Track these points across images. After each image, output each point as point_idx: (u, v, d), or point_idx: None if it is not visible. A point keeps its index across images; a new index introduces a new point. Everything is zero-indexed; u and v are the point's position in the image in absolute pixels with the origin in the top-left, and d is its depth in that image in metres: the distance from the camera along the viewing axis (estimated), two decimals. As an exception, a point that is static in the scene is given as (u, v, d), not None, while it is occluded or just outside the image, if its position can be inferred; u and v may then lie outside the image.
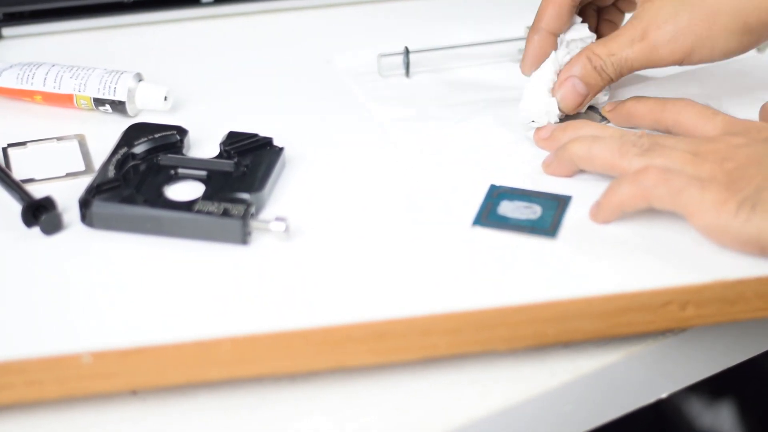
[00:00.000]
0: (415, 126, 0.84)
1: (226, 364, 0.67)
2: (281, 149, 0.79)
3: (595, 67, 0.80)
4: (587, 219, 0.74)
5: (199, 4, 0.97)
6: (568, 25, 0.82)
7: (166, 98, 0.85)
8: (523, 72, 0.83)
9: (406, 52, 0.89)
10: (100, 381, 0.66)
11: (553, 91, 0.81)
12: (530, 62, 0.83)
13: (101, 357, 0.66)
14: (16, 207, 0.75)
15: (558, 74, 0.81)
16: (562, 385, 0.69)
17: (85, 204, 0.74)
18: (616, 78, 0.81)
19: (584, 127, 0.78)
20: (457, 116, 0.85)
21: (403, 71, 0.90)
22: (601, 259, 0.72)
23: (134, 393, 0.68)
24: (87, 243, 0.74)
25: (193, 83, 0.89)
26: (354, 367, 0.69)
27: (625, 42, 0.80)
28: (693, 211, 0.71)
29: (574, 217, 0.75)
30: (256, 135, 0.79)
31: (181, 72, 0.90)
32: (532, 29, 0.83)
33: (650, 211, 0.74)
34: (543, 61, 0.82)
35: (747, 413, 1.24)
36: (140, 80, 0.85)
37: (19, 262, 0.73)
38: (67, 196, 0.76)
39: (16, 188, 0.77)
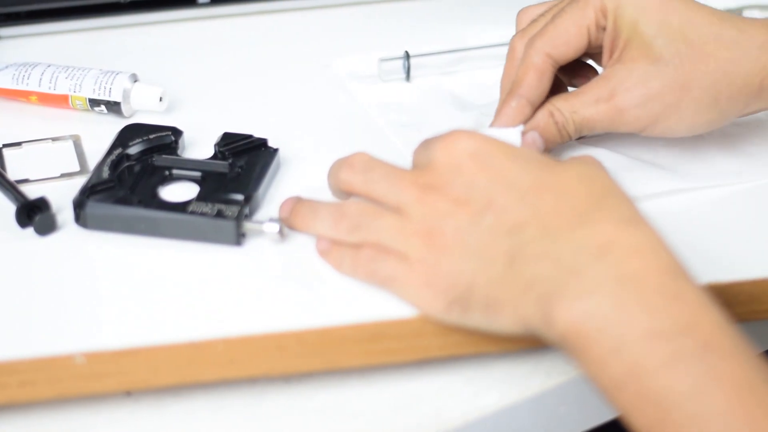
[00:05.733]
0: (414, 130, 0.84)
1: (220, 365, 0.67)
2: (276, 150, 0.79)
3: (556, 122, 0.76)
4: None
5: (195, 4, 0.97)
6: (548, 91, 0.77)
7: (161, 99, 0.85)
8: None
9: (407, 56, 0.89)
10: (93, 382, 0.66)
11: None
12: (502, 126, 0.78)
13: (94, 358, 0.66)
14: (10, 207, 0.75)
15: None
16: (557, 386, 0.69)
17: (79, 205, 0.74)
18: (574, 136, 0.77)
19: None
20: (457, 120, 0.85)
21: (404, 75, 0.89)
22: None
23: (128, 394, 0.68)
24: (81, 244, 0.74)
25: (188, 84, 0.89)
26: (347, 368, 0.69)
27: (590, 101, 0.76)
28: (405, 299, 0.68)
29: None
30: (250, 136, 0.79)
31: (177, 73, 0.90)
32: (511, 93, 0.77)
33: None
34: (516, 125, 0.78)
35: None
36: (135, 81, 0.85)
37: (13, 263, 0.73)
38: (62, 197, 0.76)
39: (11, 188, 0.77)
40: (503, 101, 0.78)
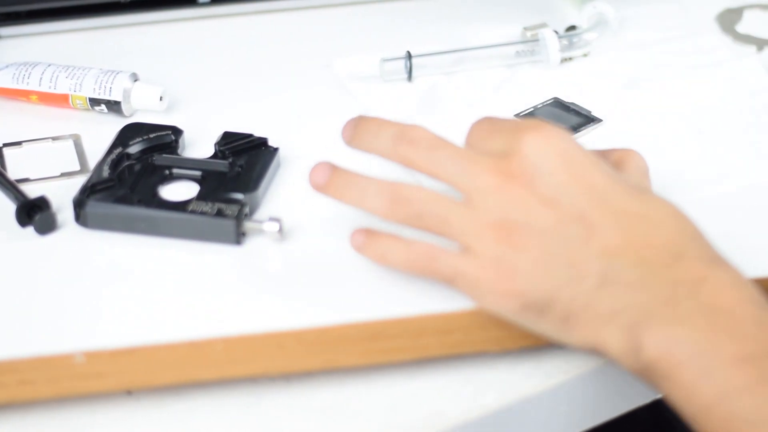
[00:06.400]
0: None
1: (219, 365, 0.67)
2: (276, 150, 0.79)
3: None
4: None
5: (196, 4, 0.96)
6: None
7: (161, 98, 0.85)
8: None
9: (408, 56, 0.89)
10: (93, 381, 0.66)
11: None
12: None
13: (94, 357, 0.66)
14: (10, 206, 0.75)
15: None
16: (557, 386, 0.69)
17: (79, 204, 0.74)
18: None
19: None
20: (458, 121, 0.85)
21: (405, 75, 0.89)
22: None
23: (129, 393, 0.68)
24: (81, 243, 0.74)
25: (188, 83, 0.88)
26: (347, 367, 0.69)
27: None
28: (473, 297, 0.65)
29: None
30: (251, 135, 0.79)
31: (177, 72, 0.90)
32: None
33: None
34: None
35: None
36: (136, 80, 0.85)
37: (13, 262, 0.73)
38: (62, 196, 0.76)
39: (11, 188, 0.77)
40: None
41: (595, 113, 0.85)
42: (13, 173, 0.79)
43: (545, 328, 0.64)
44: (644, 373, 0.63)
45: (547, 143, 0.64)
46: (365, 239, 0.68)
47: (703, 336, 0.61)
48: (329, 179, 0.68)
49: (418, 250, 0.66)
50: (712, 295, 0.62)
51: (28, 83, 0.85)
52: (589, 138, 0.83)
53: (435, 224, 0.65)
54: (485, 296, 0.65)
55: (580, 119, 0.84)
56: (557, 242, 0.63)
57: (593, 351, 0.65)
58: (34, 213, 0.74)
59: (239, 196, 0.74)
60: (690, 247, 0.64)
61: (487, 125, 0.67)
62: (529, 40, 0.90)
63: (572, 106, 0.85)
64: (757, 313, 0.62)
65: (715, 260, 0.64)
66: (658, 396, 0.75)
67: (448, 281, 0.66)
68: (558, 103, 0.86)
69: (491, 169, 0.64)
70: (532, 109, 0.85)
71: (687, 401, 0.61)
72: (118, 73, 0.85)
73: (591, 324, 0.63)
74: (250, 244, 0.73)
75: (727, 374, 0.60)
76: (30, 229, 0.74)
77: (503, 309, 0.65)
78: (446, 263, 0.65)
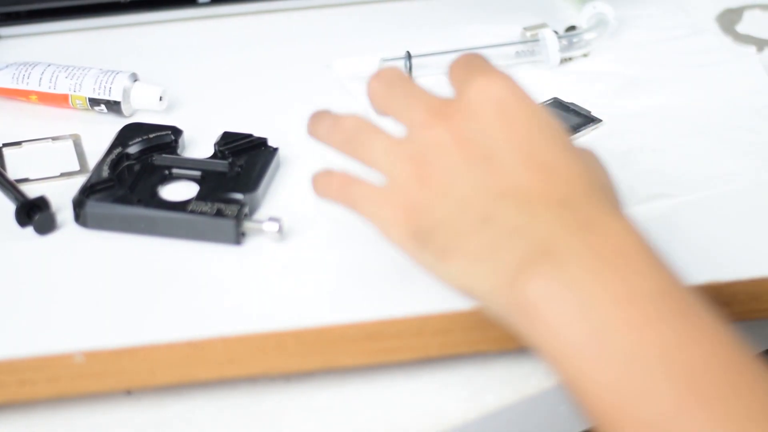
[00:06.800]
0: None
1: (219, 365, 0.67)
2: (276, 150, 0.79)
3: None
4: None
5: (196, 4, 0.97)
6: None
7: (161, 98, 0.85)
8: None
9: (408, 56, 0.89)
10: (93, 381, 0.66)
11: None
12: None
13: (93, 357, 0.66)
14: (9, 206, 0.75)
15: None
16: (557, 386, 0.69)
17: (78, 204, 0.74)
18: None
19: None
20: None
21: (406, 76, 0.89)
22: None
23: (129, 393, 0.68)
24: (80, 243, 0.74)
25: (188, 83, 0.89)
26: (346, 367, 0.69)
27: None
28: (369, 218, 0.67)
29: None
30: (250, 135, 0.79)
31: (177, 72, 0.90)
32: None
33: (645, 214, 0.74)
34: None
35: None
36: (136, 80, 0.85)
37: (12, 262, 0.73)
38: (62, 196, 0.76)
39: (10, 188, 0.77)
40: None
41: (595, 113, 0.85)
42: (12, 173, 0.79)
43: (427, 260, 0.65)
44: (511, 313, 0.62)
45: (488, 89, 0.66)
46: (315, 176, 0.70)
47: (584, 275, 0.60)
48: (313, 115, 0.71)
49: (336, 176, 0.68)
50: (601, 239, 0.61)
51: (27, 83, 0.85)
52: (589, 138, 0.83)
53: (361, 152, 0.68)
54: (378, 218, 0.66)
55: (580, 119, 0.84)
56: (459, 180, 0.64)
57: (463, 291, 0.64)
58: (33, 213, 0.74)
59: (239, 196, 0.74)
60: (589, 198, 0.63)
61: (458, 65, 0.69)
62: (529, 41, 0.90)
63: (572, 106, 0.85)
64: (653, 261, 0.61)
65: (612, 212, 0.63)
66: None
67: (355, 206, 0.67)
68: (558, 103, 0.86)
69: (428, 108, 0.67)
70: (532, 109, 0.85)
71: (555, 338, 0.60)
72: (117, 73, 0.85)
73: (466, 259, 0.63)
74: (250, 244, 0.73)
75: (607, 311, 0.59)
76: (29, 229, 0.74)
77: (393, 233, 0.66)
78: (357, 189, 0.67)
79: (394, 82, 0.69)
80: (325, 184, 0.69)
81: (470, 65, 0.68)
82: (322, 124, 0.70)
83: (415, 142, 0.66)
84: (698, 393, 0.57)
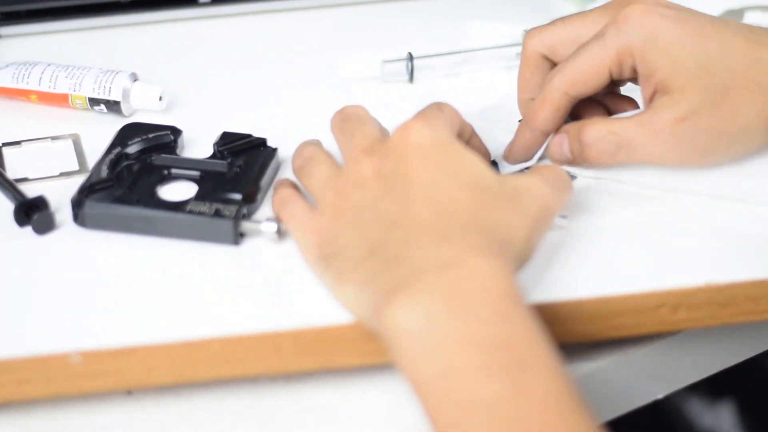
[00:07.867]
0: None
1: (215, 364, 0.67)
2: (275, 150, 0.79)
3: (580, 140, 0.76)
4: (576, 221, 0.74)
5: (196, 4, 0.97)
6: (563, 121, 0.78)
7: (160, 98, 0.85)
8: (507, 161, 0.80)
9: (410, 57, 0.89)
10: (90, 380, 0.66)
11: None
12: (517, 157, 0.79)
13: (90, 356, 0.66)
14: (8, 206, 0.75)
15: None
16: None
17: (77, 204, 0.74)
18: (617, 155, 0.75)
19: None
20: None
21: (407, 77, 0.89)
22: (592, 262, 0.72)
23: (129, 393, 0.68)
24: (79, 243, 0.74)
25: (188, 83, 0.89)
26: (343, 367, 0.69)
27: (633, 124, 0.75)
28: (293, 238, 0.72)
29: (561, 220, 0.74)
30: (249, 135, 0.79)
31: (177, 72, 0.90)
32: (525, 125, 0.78)
33: (643, 214, 0.74)
34: (531, 155, 0.79)
35: (747, 413, 1.24)
36: (135, 80, 0.85)
37: (11, 261, 0.73)
38: (61, 196, 0.76)
39: (9, 187, 0.77)
40: (518, 132, 0.79)
41: (594, 114, 0.84)
42: (12, 173, 0.80)
43: (327, 280, 0.69)
44: (382, 337, 0.65)
45: (416, 132, 0.70)
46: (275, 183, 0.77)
47: (436, 313, 0.62)
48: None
49: (281, 191, 0.74)
50: (461, 279, 0.64)
51: (27, 83, 0.85)
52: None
53: (305, 179, 0.73)
54: (298, 240, 0.71)
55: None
56: (366, 211, 0.68)
57: (352, 314, 0.67)
58: (32, 212, 0.74)
59: (237, 196, 0.74)
60: (465, 235, 0.66)
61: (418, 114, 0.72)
62: (530, 41, 0.90)
63: (572, 107, 0.85)
64: (501, 306, 0.63)
65: (487, 252, 0.65)
66: (659, 396, 0.75)
67: (287, 223, 0.72)
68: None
69: (364, 146, 0.71)
70: (532, 110, 0.85)
71: (411, 372, 0.63)
72: (117, 73, 0.85)
73: (355, 285, 0.67)
74: (248, 244, 0.73)
75: (451, 353, 0.61)
76: (28, 229, 0.74)
77: (307, 256, 0.70)
78: (294, 207, 0.72)
79: (350, 118, 0.74)
80: (273, 196, 0.75)
81: (423, 110, 0.72)
82: (298, 148, 0.76)
83: (344, 174, 0.71)
84: None
